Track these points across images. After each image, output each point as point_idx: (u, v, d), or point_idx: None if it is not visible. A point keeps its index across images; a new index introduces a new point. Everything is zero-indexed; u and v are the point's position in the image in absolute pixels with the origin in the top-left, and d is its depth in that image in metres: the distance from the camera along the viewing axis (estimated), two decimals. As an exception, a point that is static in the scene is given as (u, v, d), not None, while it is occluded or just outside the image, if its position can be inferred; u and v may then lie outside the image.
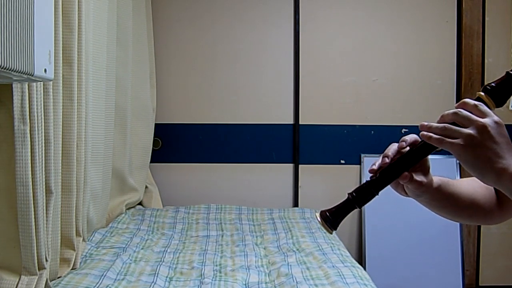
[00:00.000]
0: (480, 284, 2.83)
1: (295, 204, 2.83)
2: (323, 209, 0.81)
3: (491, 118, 0.70)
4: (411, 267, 2.71)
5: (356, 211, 2.80)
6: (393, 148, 0.79)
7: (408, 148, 0.78)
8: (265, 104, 2.84)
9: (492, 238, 2.84)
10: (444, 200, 0.84)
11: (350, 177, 2.82)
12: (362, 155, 2.81)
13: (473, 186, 0.88)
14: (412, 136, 0.78)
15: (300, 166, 2.83)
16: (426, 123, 0.74)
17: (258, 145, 2.84)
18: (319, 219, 0.80)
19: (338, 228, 0.82)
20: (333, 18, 2.84)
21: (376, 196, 0.80)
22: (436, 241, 2.72)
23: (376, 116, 2.83)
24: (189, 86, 2.83)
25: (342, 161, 2.83)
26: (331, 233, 0.81)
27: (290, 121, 2.83)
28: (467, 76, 2.79)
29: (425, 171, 0.79)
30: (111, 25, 2.03)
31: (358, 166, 2.82)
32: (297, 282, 1.53)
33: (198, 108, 2.83)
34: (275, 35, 2.83)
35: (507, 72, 0.74)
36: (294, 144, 2.83)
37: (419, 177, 0.78)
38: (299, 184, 2.83)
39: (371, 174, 0.80)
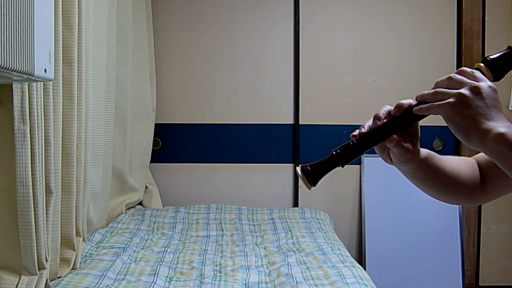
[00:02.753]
0: (480, 284, 2.83)
1: (295, 204, 2.83)
2: (305, 164, 0.79)
3: (485, 82, 0.69)
4: (411, 267, 2.71)
5: (356, 212, 2.82)
6: (384, 109, 0.78)
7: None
8: (265, 104, 2.84)
9: (492, 238, 2.84)
10: (428, 173, 0.83)
11: (350, 177, 2.81)
12: (362, 155, 2.81)
13: (458, 164, 0.87)
14: (408, 101, 0.76)
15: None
16: (419, 94, 0.74)
17: (258, 145, 2.84)
18: (300, 173, 0.78)
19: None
20: (333, 18, 2.84)
21: (361, 156, 0.78)
22: (436, 241, 2.72)
23: (376, 116, 2.83)
24: (189, 86, 2.83)
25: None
26: (310, 189, 0.78)
27: (290, 121, 2.83)
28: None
29: (414, 140, 0.78)
30: (111, 25, 2.03)
31: (358, 166, 2.82)
32: (297, 282, 1.53)
33: (198, 108, 2.83)
34: (275, 35, 2.83)
35: (509, 46, 0.73)
36: (294, 144, 2.83)
37: (406, 143, 0.77)
38: (299, 184, 2.83)
39: (357, 132, 0.78)
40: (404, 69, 2.83)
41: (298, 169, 0.78)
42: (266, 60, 2.83)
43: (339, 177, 2.82)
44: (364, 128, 0.77)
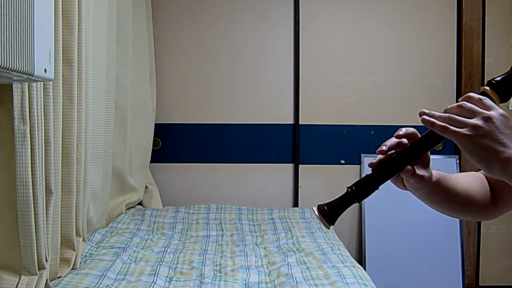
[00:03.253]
0: (480, 284, 2.83)
1: (295, 204, 2.83)
2: (321, 203, 0.78)
3: (496, 111, 0.69)
4: (411, 267, 2.71)
5: (356, 211, 2.82)
6: (391, 140, 0.78)
7: (405, 140, 0.76)
8: (265, 104, 2.84)
9: (492, 238, 2.84)
10: (441, 195, 0.84)
11: (350, 177, 2.81)
12: (362, 155, 2.81)
13: (469, 182, 0.88)
14: (408, 128, 0.77)
15: (300, 166, 2.83)
16: (426, 110, 0.73)
17: (258, 145, 2.84)
18: (316, 213, 0.77)
19: (338, 228, 0.81)
20: (333, 18, 2.84)
21: (376, 191, 0.77)
22: (436, 241, 2.72)
23: (376, 116, 2.83)
24: (189, 86, 2.83)
25: (342, 161, 2.83)
26: (329, 228, 0.78)
27: (290, 121, 2.83)
28: (467, 76, 2.79)
29: (426, 164, 0.78)
30: (111, 25, 2.03)
31: (358, 166, 2.82)
32: (297, 282, 1.53)
33: (198, 108, 2.83)
34: (275, 35, 2.83)
35: None
36: (294, 144, 2.83)
37: (420, 171, 0.76)
38: (299, 184, 2.83)
39: (370, 168, 0.78)
40: (404, 69, 2.83)
41: (315, 209, 0.78)
42: (266, 60, 2.83)
43: (339, 177, 2.82)
44: (375, 160, 0.77)
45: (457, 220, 2.72)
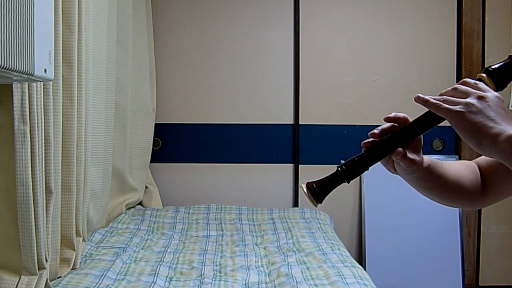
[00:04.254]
0: (480, 284, 2.83)
1: (295, 204, 2.83)
2: (310, 180, 0.78)
3: (491, 93, 0.70)
4: (411, 267, 2.71)
5: (356, 211, 2.81)
6: (384, 126, 0.78)
7: (397, 125, 0.76)
8: (265, 104, 2.84)
9: (492, 238, 2.84)
10: (432, 181, 0.84)
11: (350, 177, 2.81)
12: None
13: (460, 170, 0.88)
14: (398, 113, 0.77)
15: (300, 166, 2.83)
16: (421, 94, 0.73)
17: (258, 145, 2.84)
18: (305, 190, 0.77)
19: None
20: (333, 18, 2.84)
21: (366, 172, 0.77)
22: (436, 241, 2.72)
23: (376, 116, 2.83)
24: (189, 86, 2.83)
25: (342, 161, 2.83)
26: (316, 206, 0.78)
27: (290, 121, 2.83)
28: (467, 76, 2.79)
29: (418, 149, 0.79)
30: (111, 25, 2.03)
31: (358, 166, 2.82)
32: (297, 282, 1.53)
33: (198, 108, 2.83)
34: (275, 35, 2.83)
35: (510, 56, 0.73)
36: (294, 144, 2.83)
37: (412, 155, 0.77)
38: (299, 184, 2.83)
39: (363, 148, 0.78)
40: (404, 69, 2.83)
41: (304, 186, 0.78)
42: (266, 60, 2.83)
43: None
44: (368, 140, 0.77)
45: (457, 220, 2.73)
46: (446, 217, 2.73)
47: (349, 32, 2.83)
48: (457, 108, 0.68)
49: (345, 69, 2.83)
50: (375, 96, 2.83)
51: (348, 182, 0.78)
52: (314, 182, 0.78)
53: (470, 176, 0.88)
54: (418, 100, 0.73)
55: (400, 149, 0.75)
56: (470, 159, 0.70)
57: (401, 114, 0.77)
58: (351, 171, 0.77)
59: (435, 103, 0.71)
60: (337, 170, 0.78)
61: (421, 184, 0.85)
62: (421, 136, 0.78)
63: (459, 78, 2.82)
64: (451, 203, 0.91)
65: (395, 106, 2.83)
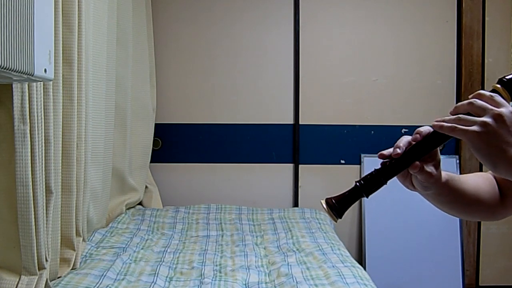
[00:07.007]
0: (480, 284, 2.83)
1: (295, 204, 2.83)
2: (329, 196, 0.79)
3: (507, 108, 0.69)
4: (411, 267, 2.71)
5: (356, 212, 2.81)
6: (405, 139, 0.78)
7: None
8: (265, 104, 2.84)
9: (492, 238, 2.84)
10: (450, 195, 0.83)
11: (350, 177, 2.81)
12: (362, 155, 2.81)
13: (478, 183, 0.88)
14: (427, 128, 0.76)
15: (300, 166, 2.83)
16: (439, 119, 0.73)
17: (258, 145, 2.84)
18: (325, 206, 0.78)
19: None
20: (333, 18, 2.84)
21: (384, 186, 0.77)
22: (436, 241, 2.72)
23: (376, 116, 2.83)
24: (189, 86, 2.83)
25: (342, 161, 2.83)
26: (336, 221, 0.79)
27: (290, 121, 2.83)
28: (467, 76, 2.79)
29: (436, 164, 0.78)
30: (111, 25, 2.03)
31: (358, 166, 2.82)
32: (297, 282, 1.53)
33: (198, 108, 2.83)
34: (275, 35, 2.83)
35: None
36: (294, 144, 2.83)
37: (429, 168, 0.76)
38: (299, 184, 2.83)
39: (380, 161, 0.77)
40: (404, 69, 2.83)
41: (323, 202, 0.78)
42: (266, 60, 2.83)
43: (339, 177, 2.82)
44: (385, 152, 0.77)
45: (457, 220, 2.73)
46: (446, 217, 2.72)
47: (349, 32, 2.83)
48: (473, 128, 0.68)
49: (345, 69, 2.83)
50: (375, 96, 2.83)
51: (367, 197, 0.78)
52: (333, 197, 0.78)
53: (487, 188, 0.87)
54: (435, 127, 0.72)
55: (417, 162, 0.75)
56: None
57: (426, 130, 0.76)
58: (369, 185, 0.77)
59: (450, 127, 0.70)
60: (355, 185, 0.78)
61: (439, 200, 0.85)
62: (438, 151, 0.78)
63: (459, 78, 2.82)
64: (471, 217, 0.91)
65: (395, 106, 2.83)
